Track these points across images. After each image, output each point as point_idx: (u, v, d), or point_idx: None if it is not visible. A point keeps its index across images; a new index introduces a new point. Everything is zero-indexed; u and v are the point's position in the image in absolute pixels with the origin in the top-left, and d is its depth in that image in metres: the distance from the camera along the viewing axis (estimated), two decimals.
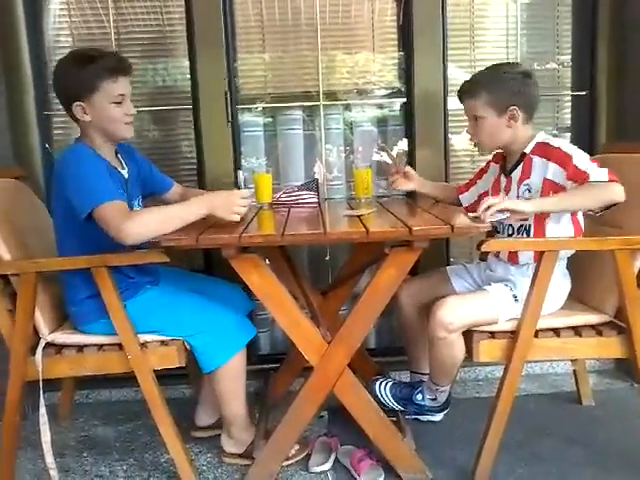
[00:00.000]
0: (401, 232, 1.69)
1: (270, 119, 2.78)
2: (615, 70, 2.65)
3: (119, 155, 2.01)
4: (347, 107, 2.80)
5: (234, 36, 2.65)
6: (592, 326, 1.91)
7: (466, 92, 2.03)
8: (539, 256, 1.79)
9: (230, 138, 2.60)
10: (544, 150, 1.92)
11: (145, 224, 1.71)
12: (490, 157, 2.24)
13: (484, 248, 1.81)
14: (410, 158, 2.69)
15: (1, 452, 1.92)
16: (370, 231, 1.68)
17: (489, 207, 1.71)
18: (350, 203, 2.41)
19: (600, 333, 1.89)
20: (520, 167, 1.99)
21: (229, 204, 1.80)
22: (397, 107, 2.77)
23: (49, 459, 1.91)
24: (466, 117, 2.08)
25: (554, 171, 1.86)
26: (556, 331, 1.89)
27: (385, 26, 2.73)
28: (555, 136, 2.69)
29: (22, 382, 1.88)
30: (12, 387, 1.88)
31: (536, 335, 1.85)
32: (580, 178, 1.78)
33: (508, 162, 2.07)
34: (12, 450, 1.94)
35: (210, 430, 2.21)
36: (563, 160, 1.84)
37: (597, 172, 1.76)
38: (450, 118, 2.66)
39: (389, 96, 2.78)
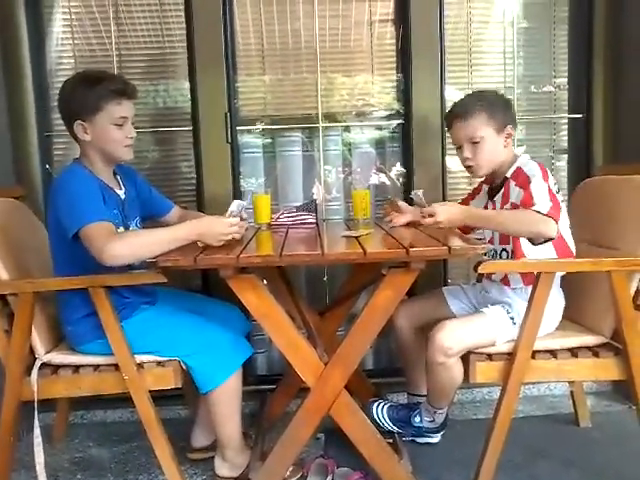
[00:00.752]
0: (398, 253, 1.69)
1: (269, 140, 2.80)
2: (611, 93, 2.68)
3: (117, 176, 2.02)
4: (346, 129, 2.82)
5: (234, 58, 2.68)
6: (589, 347, 1.91)
7: (463, 113, 2.00)
8: (535, 278, 1.80)
9: (229, 159, 2.62)
10: (518, 175, 1.95)
11: (128, 246, 1.71)
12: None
13: (481, 270, 1.82)
14: (408, 179, 2.71)
15: None
16: (367, 252, 1.68)
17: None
18: (348, 224, 2.42)
19: (597, 354, 1.89)
20: (502, 192, 2.01)
21: (215, 232, 1.80)
22: (395, 129, 2.80)
23: None
24: (455, 144, 2.07)
25: (517, 194, 1.90)
26: (553, 352, 1.89)
27: (384, 49, 2.76)
28: (552, 158, 2.72)
29: (17, 402, 1.87)
30: (7, 407, 1.87)
31: (533, 356, 1.85)
32: (527, 205, 1.81)
33: (492, 186, 2.09)
34: (6, 471, 1.93)
35: (206, 452, 2.19)
36: (524, 183, 1.87)
37: (541, 204, 1.79)
38: (447, 140, 2.68)
39: (387, 118, 2.81)
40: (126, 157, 1.94)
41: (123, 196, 1.99)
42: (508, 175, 1.98)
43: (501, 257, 2.01)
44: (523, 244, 1.92)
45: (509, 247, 1.98)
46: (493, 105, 1.99)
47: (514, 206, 1.91)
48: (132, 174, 2.12)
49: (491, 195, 2.08)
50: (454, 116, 2.04)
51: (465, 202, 2.27)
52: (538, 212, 1.78)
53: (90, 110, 1.84)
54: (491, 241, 2.05)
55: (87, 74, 1.96)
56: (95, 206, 1.77)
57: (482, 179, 2.20)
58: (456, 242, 1.77)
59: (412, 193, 2.05)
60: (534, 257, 1.90)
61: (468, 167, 2.07)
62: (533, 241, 1.88)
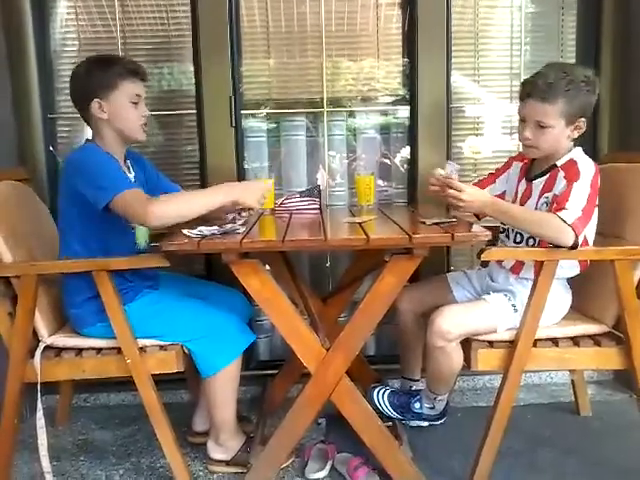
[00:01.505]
0: (401, 240, 1.69)
1: (274, 125, 2.79)
2: (619, 80, 2.65)
3: (127, 161, 2.03)
4: (351, 114, 2.80)
5: (239, 41, 2.65)
6: (591, 336, 1.92)
7: (540, 95, 1.84)
8: (538, 266, 1.79)
9: (234, 143, 2.61)
10: (569, 167, 1.87)
11: (175, 205, 1.76)
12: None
13: (484, 257, 1.81)
14: (413, 165, 2.70)
15: None
16: (370, 238, 1.68)
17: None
18: (352, 210, 2.41)
19: (599, 344, 1.89)
20: (545, 177, 1.94)
21: (257, 191, 1.86)
22: (401, 114, 2.77)
23: (45, 463, 1.91)
24: (520, 117, 1.93)
25: (563, 187, 1.84)
26: (554, 341, 1.89)
27: (390, 33, 2.74)
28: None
29: (20, 384, 1.88)
30: (10, 389, 1.88)
31: (534, 345, 1.85)
32: (558, 205, 1.78)
33: (535, 167, 2.01)
34: (9, 453, 1.94)
35: (207, 436, 2.21)
36: (570, 178, 1.82)
37: (571, 211, 1.75)
38: (453, 125, 2.67)
39: (393, 103, 2.79)
40: (140, 137, 1.95)
41: (133, 180, 1.99)
42: (559, 164, 1.90)
43: (527, 243, 1.96)
44: None
45: None
46: (575, 94, 1.83)
47: (555, 199, 1.85)
48: (141, 160, 2.13)
49: (529, 177, 2.01)
50: (531, 91, 1.86)
51: (491, 179, 2.17)
52: (562, 219, 1.74)
53: (107, 88, 1.86)
54: None
55: (100, 56, 2.00)
56: (123, 176, 1.82)
57: (514, 156, 2.15)
58: (460, 229, 1.76)
59: (448, 162, 1.94)
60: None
61: (525, 145, 1.97)
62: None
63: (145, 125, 1.95)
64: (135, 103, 1.91)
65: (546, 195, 1.92)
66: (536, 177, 1.98)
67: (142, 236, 2.04)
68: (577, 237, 1.74)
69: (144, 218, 1.70)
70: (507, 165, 2.17)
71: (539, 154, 1.95)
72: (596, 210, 1.84)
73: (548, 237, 1.80)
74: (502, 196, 2.10)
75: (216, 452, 2.05)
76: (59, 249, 1.96)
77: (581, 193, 1.79)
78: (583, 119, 1.88)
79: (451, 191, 1.81)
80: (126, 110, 1.90)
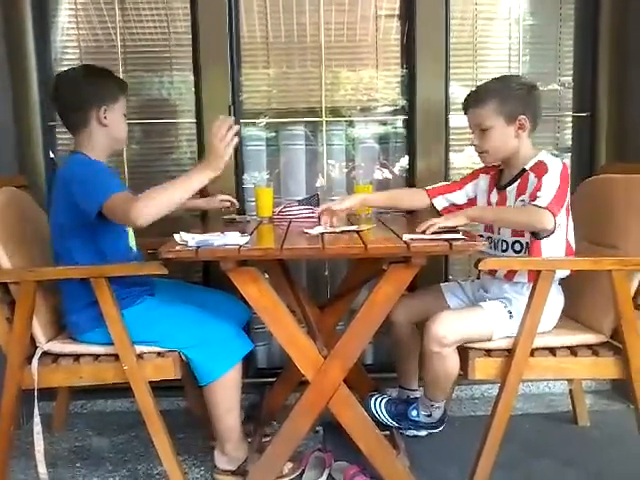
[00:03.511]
0: (399, 248, 1.69)
1: (273, 134, 2.80)
2: (616, 92, 2.68)
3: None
4: (350, 123, 2.82)
5: (239, 51, 2.68)
6: (588, 346, 1.91)
7: (474, 101, 1.99)
8: (535, 275, 1.80)
9: (232, 152, 2.61)
10: (538, 167, 1.92)
11: (152, 200, 1.70)
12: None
13: (481, 266, 1.82)
14: (411, 174, 2.71)
15: None
16: (368, 247, 1.68)
17: (429, 227, 1.79)
18: (350, 218, 2.42)
19: (596, 353, 1.89)
20: (517, 183, 1.98)
21: (216, 155, 1.75)
22: (399, 124, 2.79)
23: (41, 469, 1.91)
24: (470, 129, 2.04)
25: (534, 183, 1.89)
26: (552, 350, 1.89)
27: (389, 44, 2.76)
28: (555, 156, 2.71)
29: (17, 390, 1.88)
30: (7, 395, 1.88)
31: (532, 354, 1.86)
32: (531, 197, 1.84)
33: (504, 176, 2.06)
34: (5, 459, 1.94)
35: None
36: (539, 174, 1.87)
37: (543, 197, 1.79)
38: (451, 136, 2.68)
39: (392, 113, 2.80)
40: (123, 147, 2.15)
41: None
42: (527, 167, 1.96)
43: (514, 249, 1.98)
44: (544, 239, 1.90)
45: (523, 240, 1.95)
46: (507, 93, 1.94)
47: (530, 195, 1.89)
48: (116, 172, 2.20)
49: (500, 186, 2.05)
50: (467, 102, 2.03)
51: (450, 188, 2.20)
52: (536, 205, 1.79)
53: (112, 98, 1.95)
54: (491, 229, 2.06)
55: (100, 67, 2.04)
56: (111, 181, 1.83)
57: (480, 169, 2.19)
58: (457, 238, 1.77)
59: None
60: (549, 252, 1.90)
61: (478, 153, 2.06)
62: (536, 235, 1.88)
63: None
64: (124, 116, 2.02)
65: (522, 198, 1.95)
66: (508, 184, 2.02)
67: (132, 239, 2.06)
68: (555, 218, 1.78)
69: (128, 219, 1.70)
70: (474, 175, 2.20)
71: (492, 158, 2.04)
72: (570, 211, 1.92)
73: (527, 224, 1.86)
74: (474, 201, 2.15)
75: (222, 462, 2.03)
76: (54, 257, 1.96)
77: (551, 183, 1.83)
78: (524, 116, 1.93)
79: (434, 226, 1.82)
80: (121, 121, 2.00)
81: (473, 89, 2.06)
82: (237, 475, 2.01)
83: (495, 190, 2.08)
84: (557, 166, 1.88)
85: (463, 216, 1.87)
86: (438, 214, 2.14)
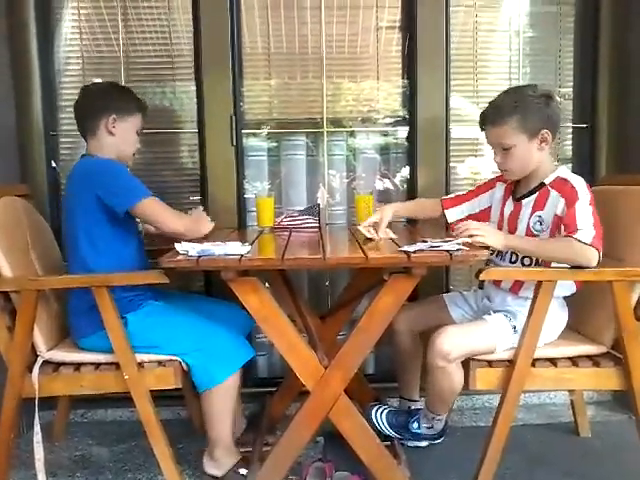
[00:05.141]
0: (400, 259, 1.69)
1: (274, 144, 2.81)
2: (616, 103, 2.69)
3: None
4: (351, 134, 2.83)
5: (241, 62, 2.69)
6: (589, 357, 1.92)
7: (493, 119, 1.92)
8: (536, 286, 1.80)
9: (234, 162, 2.64)
10: (562, 185, 1.88)
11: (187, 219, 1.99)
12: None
13: (483, 276, 1.83)
14: (412, 185, 2.72)
15: None
16: (369, 257, 1.69)
17: (464, 230, 1.77)
18: (351, 229, 2.43)
19: (597, 364, 1.89)
20: (535, 196, 1.95)
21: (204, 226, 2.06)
22: (400, 134, 2.80)
23: (41, 478, 1.91)
24: (491, 146, 1.99)
25: (562, 208, 1.85)
26: (553, 361, 1.90)
27: (390, 55, 2.78)
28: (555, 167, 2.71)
29: (18, 399, 1.89)
30: (7, 404, 1.88)
31: (533, 364, 1.86)
32: (569, 228, 1.78)
33: (521, 187, 2.02)
34: (4, 468, 1.94)
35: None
36: (571, 200, 1.82)
37: (585, 231, 1.76)
38: (452, 147, 2.69)
39: (393, 124, 2.82)
40: (129, 163, 2.12)
41: None
42: (547, 182, 1.92)
43: (523, 262, 1.97)
44: None
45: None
46: (527, 109, 1.88)
47: (558, 219, 1.86)
48: None
49: (516, 196, 2.02)
50: (484, 120, 1.96)
51: (464, 197, 2.20)
52: (581, 241, 1.75)
53: (125, 111, 2.05)
54: None
55: (123, 85, 2.26)
56: (140, 183, 1.94)
57: (495, 177, 2.17)
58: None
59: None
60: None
61: (500, 170, 2.02)
62: None
63: (134, 155, 2.14)
64: (137, 134, 2.11)
65: (538, 214, 1.93)
66: (524, 196, 2.00)
67: None
68: (599, 253, 1.76)
69: (174, 225, 1.91)
70: (491, 184, 2.18)
71: (516, 175, 2.00)
72: None
73: (572, 261, 1.81)
74: (488, 211, 2.14)
75: (210, 467, 2.04)
76: (68, 255, 2.01)
77: (586, 212, 1.80)
78: (546, 130, 1.89)
79: (473, 224, 1.83)
80: (130, 136, 2.08)
81: (489, 105, 1.97)
82: None
83: (510, 200, 2.06)
84: (585, 189, 1.84)
85: (500, 243, 1.82)
86: (448, 225, 2.16)
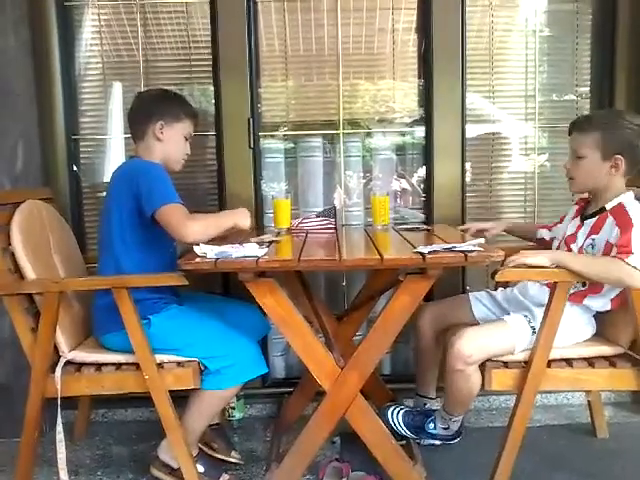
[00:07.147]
0: (415, 260, 1.70)
1: (291, 145, 2.83)
2: (634, 102, 2.66)
3: None
4: (368, 134, 2.85)
5: (258, 64, 2.72)
6: (605, 357, 1.91)
7: (578, 127, 1.98)
8: (552, 287, 1.80)
9: (251, 163, 2.66)
10: (619, 213, 1.88)
11: (204, 226, 1.90)
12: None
13: (498, 277, 1.83)
14: (428, 185, 2.72)
15: (18, 468, 1.96)
16: (384, 258, 1.70)
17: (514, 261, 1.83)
18: (367, 230, 2.44)
19: (614, 365, 1.89)
20: (595, 219, 1.96)
21: (247, 216, 2.05)
22: (417, 135, 2.81)
23: (64, 476, 1.94)
24: (569, 152, 2.04)
25: (615, 236, 1.85)
26: (569, 362, 1.89)
27: (406, 56, 2.78)
28: None
29: (41, 399, 1.92)
30: (31, 404, 1.92)
31: (548, 365, 1.86)
32: (622, 251, 1.78)
33: (589, 208, 2.04)
34: (29, 466, 1.98)
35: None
36: (625, 226, 1.82)
37: (637, 255, 1.75)
38: (467, 148, 2.69)
39: (409, 124, 2.82)
40: (177, 168, 2.17)
41: None
42: (607, 207, 1.93)
43: None
44: None
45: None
46: (613, 129, 1.91)
47: (610, 247, 1.85)
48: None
49: (583, 216, 2.04)
50: (573, 125, 2.02)
51: (555, 223, 2.26)
52: (629, 264, 1.75)
53: (174, 117, 2.10)
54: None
55: (175, 92, 2.27)
56: (173, 189, 1.95)
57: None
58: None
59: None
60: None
61: (567, 177, 2.06)
62: None
63: (184, 160, 2.18)
64: (186, 140, 2.15)
65: (592, 237, 1.94)
66: (588, 217, 2.01)
67: None
68: None
69: (179, 232, 1.85)
70: (577, 210, 2.16)
71: (577, 187, 2.04)
72: None
73: (617, 282, 1.83)
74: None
75: (166, 454, 2.03)
76: (101, 252, 2.05)
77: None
78: (620, 157, 1.89)
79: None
80: (178, 141, 2.13)
81: (585, 114, 2.03)
82: (172, 476, 2.02)
83: (578, 219, 2.06)
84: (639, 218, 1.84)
85: (547, 258, 1.84)
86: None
